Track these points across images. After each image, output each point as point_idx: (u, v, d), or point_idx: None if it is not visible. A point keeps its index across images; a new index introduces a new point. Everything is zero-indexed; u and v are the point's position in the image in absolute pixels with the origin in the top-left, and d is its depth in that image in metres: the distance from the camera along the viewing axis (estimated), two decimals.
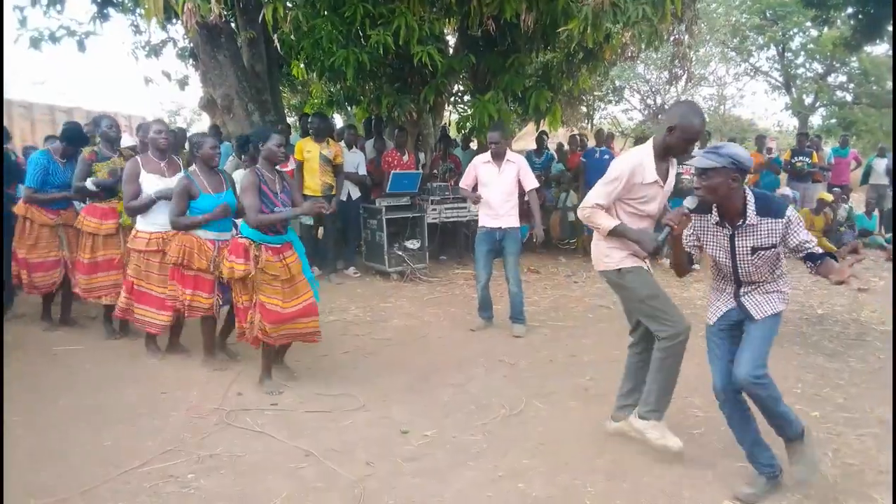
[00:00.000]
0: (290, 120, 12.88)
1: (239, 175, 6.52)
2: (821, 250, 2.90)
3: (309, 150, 7.13)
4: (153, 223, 4.71)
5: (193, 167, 4.66)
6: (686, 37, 11.29)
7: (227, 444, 3.58)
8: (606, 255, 3.49)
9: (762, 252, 2.92)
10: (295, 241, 4.36)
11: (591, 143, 11.19)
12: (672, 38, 10.14)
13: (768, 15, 21.56)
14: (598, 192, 3.35)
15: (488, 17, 7.25)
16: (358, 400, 4.15)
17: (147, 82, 10.32)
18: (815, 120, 24.62)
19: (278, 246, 4.17)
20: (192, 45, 9.21)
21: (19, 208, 5.41)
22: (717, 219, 2.98)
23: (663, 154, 3.35)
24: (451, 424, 3.84)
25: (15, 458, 3.30)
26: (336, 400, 4.17)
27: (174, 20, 7.45)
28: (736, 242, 2.95)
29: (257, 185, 4.07)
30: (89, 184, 5.04)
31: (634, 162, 3.30)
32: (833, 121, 23.48)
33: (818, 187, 10.59)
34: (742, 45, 23.06)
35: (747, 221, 2.89)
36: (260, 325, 4.10)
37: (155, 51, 10.32)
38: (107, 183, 5.06)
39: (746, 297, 3.06)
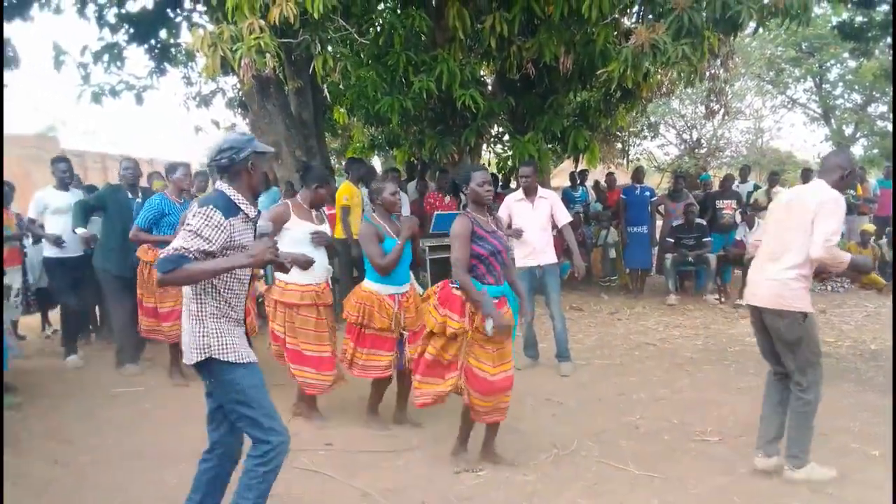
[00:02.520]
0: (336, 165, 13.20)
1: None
2: None
3: (354, 195, 7.31)
4: (307, 274, 4.21)
5: (372, 213, 4.39)
6: (722, 71, 11.35)
7: (285, 485, 3.65)
8: (799, 298, 3.42)
9: None
10: (509, 294, 3.83)
11: (621, 180, 11.25)
12: (708, 74, 10.21)
13: (804, 47, 21.46)
14: (834, 229, 3.36)
15: (527, 61, 7.43)
16: (411, 440, 4.22)
17: (197, 131, 10.82)
18: (857, 150, 24.22)
19: (496, 300, 3.65)
20: (241, 95, 9.60)
21: (144, 253, 5.32)
22: None
23: None
24: (503, 464, 3.87)
25: (84, 498, 3.43)
26: (389, 439, 4.24)
27: (229, 74, 7.81)
28: None
29: (470, 232, 3.60)
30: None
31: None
32: (875, 151, 23.08)
33: (864, 220, 10.42)
34: (778, 78, 22.93)
35: None
36: (467, 391, 3.66)
37: (205, 101, 10.79)
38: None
39: None
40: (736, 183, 10.17)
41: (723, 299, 8.56)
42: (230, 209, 2.65)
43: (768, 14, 6.31)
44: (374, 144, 11.49)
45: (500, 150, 10.44)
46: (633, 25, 7.29)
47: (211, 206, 2.58)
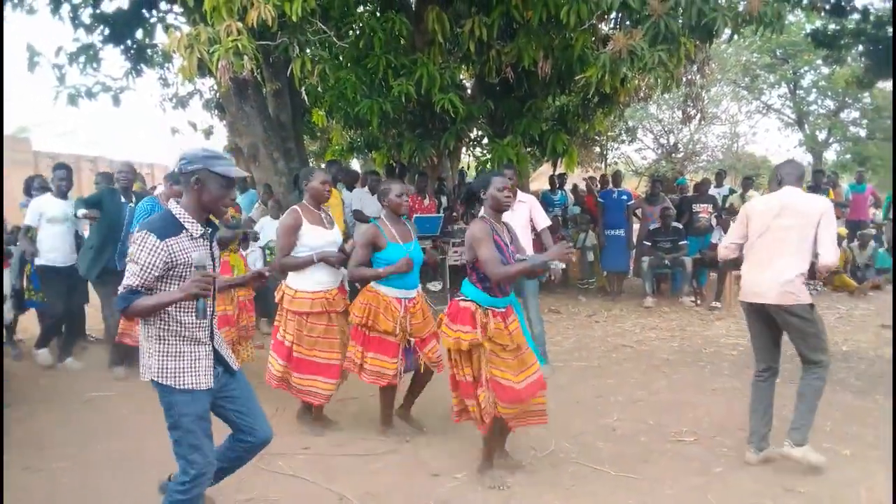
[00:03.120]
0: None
1: (266, 222, 6.66)
2: None
3: (332, 196, 7.30)
4: (317, 282, 4.14)
5: (381, 215, 4.22)
6: (698, 77, 11.50)
7: (262, 489, 3.64)
8: (805, 292, 3.68)
9: None
10: (514, 303, 3.75)
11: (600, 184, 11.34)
12: (684, 79, 10.34)
13: (778, 54, 21.81)
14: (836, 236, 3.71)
15: (506, 65, 7.47)
16: (389, 443, 4.21)
17: (174, 132, 10.72)
18: (830, 156, 24.66)
19: (503, 310, 3.61)
20: (218, 96, 9.53)
21: None
22: None
23: None
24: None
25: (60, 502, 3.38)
26: (367, 443, 4.23)
27: (206, 76, 7.75)
28: None
29: (491, 234, 3.50)
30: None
31: None
32: (848, 156, 23.51)
33: (837, 223, 10.59)
34: (753, 84, 23.29)
35: None
36: (494, 405, 3.52)
37: (182, 102, 10.70)
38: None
39: None
40: (712, 187, 10.30)
41: (698, 301, 8.66)
42: (169, 229, 2.57)
43: (742, 21, 6.41)
44: (353, 147, 11.46)
45: (479, 154, 10.47)
46: (610, 31, 7.37)
47: (145, 231, 2.53)
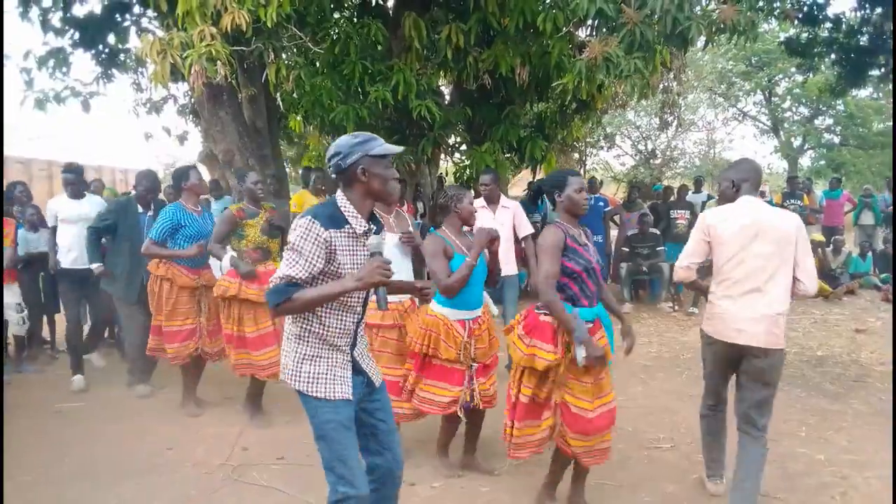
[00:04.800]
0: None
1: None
2: None
3: (309, 203, 7.24)
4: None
5: (444, 226, 3.81)
6: (675, 84, 11.60)
7: (236, 500, 3.58)
8: (783, 334, 3.21)
9: None
10: (604, 316, 3.33)
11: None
12: (661, 86, 10.41)
13: (753, 62, 22.14)
14: None
15: (484, 72, 7.46)
16: None
17: (147, 138, 10.58)
18: (805, 162, 25.06)
19: (590, 323, 3.19)
20: (193, 102, 9.43)
21: (156, 267, 4.83)
22: None
23: None
24: (457, 475, 3.84)
25: None
26: None
27: (180, 81, 7.66)
28: None
29: (562, 241, 3.16)
30: (226, 262, 4.49)
31: None
32: (822, 163, 23.91)
33: (811, 230, 10.74)
34: (729, 91, 23.61)
35: None
36: (561, 433, 3.21)
37: (156, 108, 10.57)
38: (244, 269, 4.45)
39: None
40: (690, 193, 10.38)
41: (676, 307, 8.71)
42: (333, 220, 2.36)
43: (717, 30, 6.45)
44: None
45: (458, 160, 10.45)
46: (587, 39, 7.38)
47: (309, 218, 2.32)
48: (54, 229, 5.67)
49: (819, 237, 9.95)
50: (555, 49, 6.95)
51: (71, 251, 5.54)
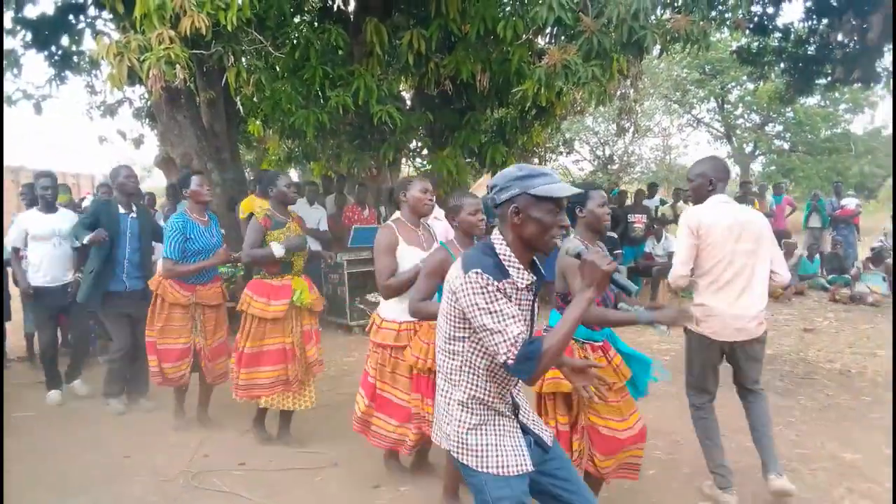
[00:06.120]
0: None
1: None
2: None
3: (261, 207, 7.12)
4: (403, 310, 3.47)
5: (452, 239, 3.45)
6: (631, 91, 11.84)
7: None
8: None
9: None
10: (611, 335, 3.24)
11: None
12: (618, 93, 10.63)
13: (707, 70, 22.69)
14: None
15: (445, 78, 7.53)
16: (328, 456, 4.16)
17: (101, 141, 10.33)
18: (756, 167, 25.78)
19: (601, 343, 3.10)
20: (149, 105, 9.27)
21: (156, 284, 4.53)
22: None
23: None
24: (423, 477, 3.86)
25: None
26: (306, 457, 4.17)
27: (137, 84, 7.53)
28: None
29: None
30: (278, 251, 4.09)
31: None
32: (773, 168, 24.63)
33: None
34: (684, 98, 24.15)
35: None
36: (589, 456, 3.05)
37: (110, 111, 10.35)
38: (296, 242, 4.17)
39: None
40: (645, 199, 10.62)
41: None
42: (500, 271, 2.02)
43: (671, 39, 6.65)
44: (290, 157, 11.32)
45: (419, 165, 10.50)
46: (546, 46, 7.52)
47: (478, 272, 1.97)
48: (17, 251, 5.30)
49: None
50: (515, 56, 7.06)
51: (40, 270, 5.23)
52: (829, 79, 11.09)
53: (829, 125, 22.53)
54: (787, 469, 3.88)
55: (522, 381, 2.02)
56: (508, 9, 7.43)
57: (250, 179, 9.52)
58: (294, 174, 14.36)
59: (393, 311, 3.57)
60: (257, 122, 9.60)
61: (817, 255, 11.32)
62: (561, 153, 20.63)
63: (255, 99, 6.91)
